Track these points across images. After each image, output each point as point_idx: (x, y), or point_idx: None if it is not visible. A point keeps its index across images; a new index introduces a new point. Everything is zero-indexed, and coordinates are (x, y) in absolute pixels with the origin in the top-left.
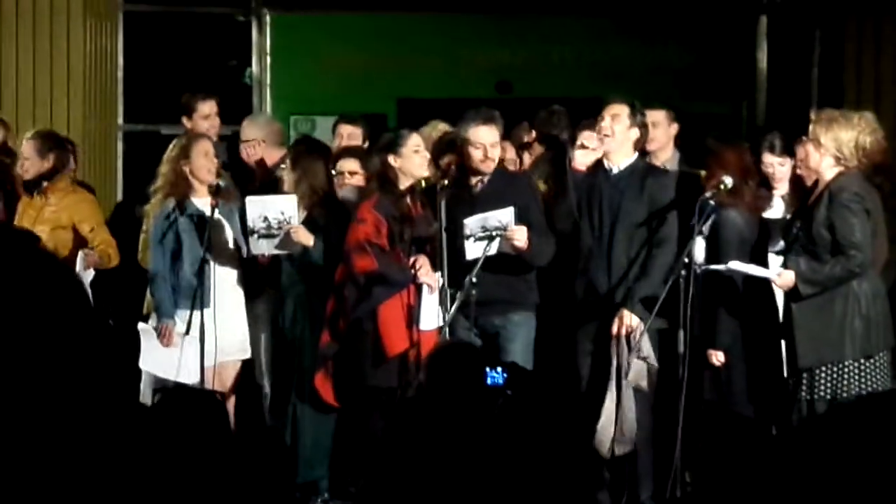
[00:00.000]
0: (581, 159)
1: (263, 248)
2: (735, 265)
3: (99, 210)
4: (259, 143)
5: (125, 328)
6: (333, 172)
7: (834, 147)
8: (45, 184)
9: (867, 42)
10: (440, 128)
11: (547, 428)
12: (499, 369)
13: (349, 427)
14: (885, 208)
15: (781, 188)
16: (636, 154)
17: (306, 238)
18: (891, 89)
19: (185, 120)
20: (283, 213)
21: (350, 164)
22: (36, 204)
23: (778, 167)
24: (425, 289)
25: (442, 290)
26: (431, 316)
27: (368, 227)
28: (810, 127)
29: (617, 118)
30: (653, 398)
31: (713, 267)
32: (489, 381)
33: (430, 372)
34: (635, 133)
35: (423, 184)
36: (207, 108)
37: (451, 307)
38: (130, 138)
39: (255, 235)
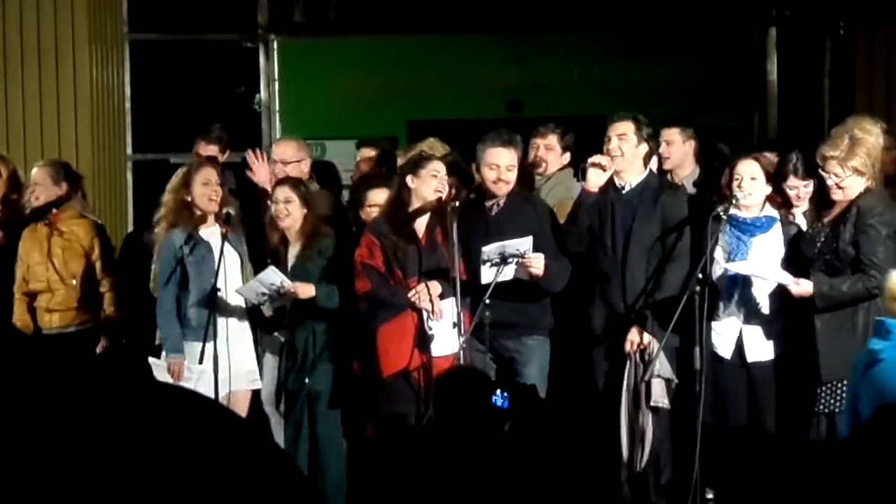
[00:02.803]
0: (594, 180)
1: (276, 305)
2: (756, 268)
3: (106, 242)
4: (304, 161)
5: (139, 358)
6: (366, 204)
7: (871, 167)
8: (54, 211)
9: (877, 51)
10: (430, 144)
11: (562, 450)
12: (501, 391)
13: (364, 456)
14: None
15: (802, 206)
16: (647, 170)
17: (307, 291)
18: None
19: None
20: (273, 284)
21: (379, 196)
22: (41, 232)
23: (802, 189)
24: (430, 315)
25: (457, 315)
26: (443, 342)
27: (363, 249)
28: (845, 167)
29: (624, 137)
30: (669, 416)
31: (735, 267)
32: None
33: (438, 398)
34: (644, 148)
35: (457, 204)
36: (212, 151)
37: (464, 331)
38: (140, 168)
39: (265, 305)
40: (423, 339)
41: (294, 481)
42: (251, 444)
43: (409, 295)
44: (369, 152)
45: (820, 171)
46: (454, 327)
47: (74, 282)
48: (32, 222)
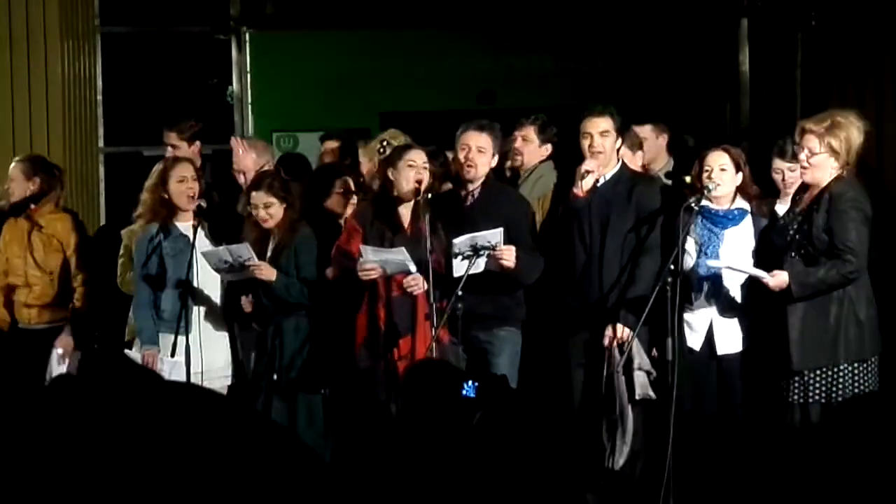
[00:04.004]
0: (587, 185)
1: (229, 278)
2: (730, 263)
3: (84, 237)
4: (268, 164)
5: (109, 353)
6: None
7: (846, 153)
8: (32, 206)
9: (849, 42)
10: (391, 134)
11: (535, 441)
12: (471, 382)
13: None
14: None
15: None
16: (620, 161)
17: (269, 274)
18: (874, 90)
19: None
20: (240, 258)
21: (343, 185)
22: (21, 226)
23: (788, 172)
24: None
25: (430, 306)
26: (398, 263)
27: (343, 235)
28: (822, 141)
29: (606, 134)
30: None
31: (711, 264)
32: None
33: (406, 389)
34: (618, 141)
35: (428, 196)
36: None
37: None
38: (111, 160)
39: (222, 273)
40: (392, 322)
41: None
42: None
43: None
44: (333, 144)
45: (795, 146)
46: (388, 251)
47: (51, 277)
48: (11, 217)
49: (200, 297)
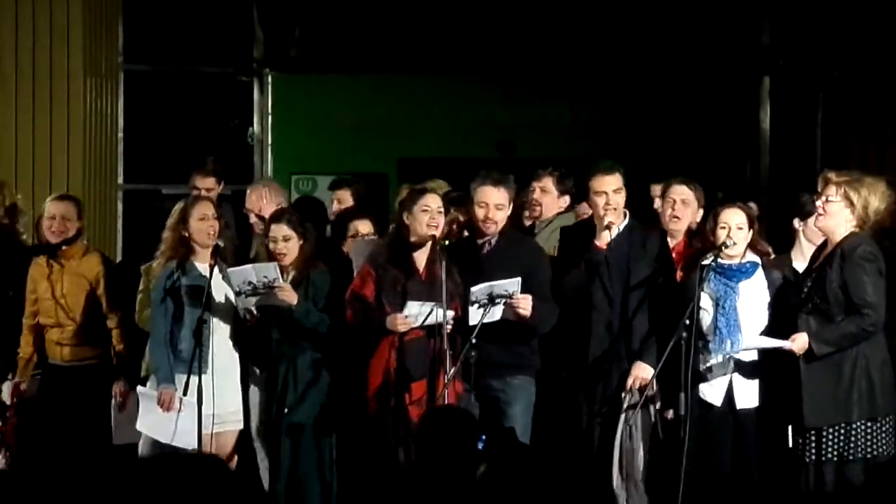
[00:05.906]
0: (607, 238)
1: (250, 303)
2: (751, 343)
3: (112, 275)
4: (281, 206)
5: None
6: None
7: (861, 209)
8: (63, 248)
9: (871, 101)
10: (437, 184)
11: (546, 492)
12: (483, 436)
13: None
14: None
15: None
16: (627, 213)
17: (291, 297)
18: (895, 148)
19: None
20: (266, 278)
21: (362, 227)
22: (51, 268)
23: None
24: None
25: (446, 352)
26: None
27: (357, 280)
28: (840, 189)
29: (619, 191)
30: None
31: (732, 353)
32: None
33: (422, 436)
34: (626, 195)
35: (446, 242)
36: (209, 183)
37: (450, 369)
38: (131, 197)
39: (242, 296)
40: (397, 369)
41: None
42: None
43: (388, 322)
44: (344, 194)
45: (815, 198)
46: (426, 316)
47: (81, 316)
48: (44, 255)
49: (215, 338)
